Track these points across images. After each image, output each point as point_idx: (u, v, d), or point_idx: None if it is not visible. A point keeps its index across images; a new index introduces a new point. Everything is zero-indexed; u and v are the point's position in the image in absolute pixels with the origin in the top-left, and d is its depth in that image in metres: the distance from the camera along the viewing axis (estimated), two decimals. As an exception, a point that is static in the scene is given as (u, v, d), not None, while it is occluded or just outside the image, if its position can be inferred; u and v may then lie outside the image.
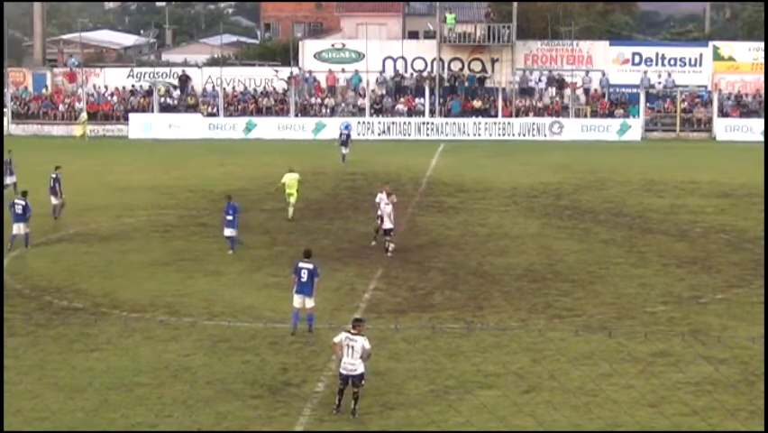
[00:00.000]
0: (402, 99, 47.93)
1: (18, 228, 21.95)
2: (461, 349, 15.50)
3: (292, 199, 26.45)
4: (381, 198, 23.04)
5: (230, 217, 22.02)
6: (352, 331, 13.06)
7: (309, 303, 16.28)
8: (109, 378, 14.18)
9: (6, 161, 28.16)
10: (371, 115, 47.18)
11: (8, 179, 27.52)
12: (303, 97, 48.40)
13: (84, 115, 45.66)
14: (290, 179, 26.77)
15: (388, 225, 22.00)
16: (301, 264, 16.43)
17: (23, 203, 22.14)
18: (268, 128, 46.33)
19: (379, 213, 22.92)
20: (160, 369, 14.63)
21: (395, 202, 22.51)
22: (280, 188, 26.65)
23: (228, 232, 22.10)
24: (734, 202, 28.53)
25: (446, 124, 46.06)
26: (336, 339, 13.12)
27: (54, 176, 25.26)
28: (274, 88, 49.32)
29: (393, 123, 46.18)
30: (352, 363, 12.83)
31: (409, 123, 46.38)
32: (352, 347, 12.86)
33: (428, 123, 46.29)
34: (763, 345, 14.46)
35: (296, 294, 16.37)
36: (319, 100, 48.23)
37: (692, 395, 13.65)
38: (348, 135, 37.82)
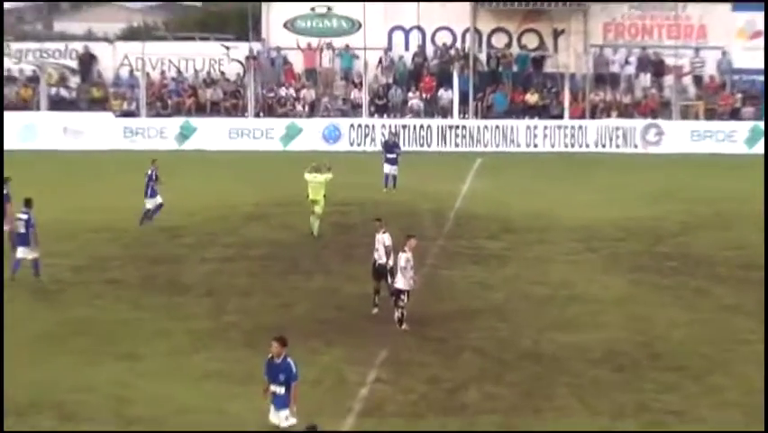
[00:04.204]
0: (416, 92, 48.27)
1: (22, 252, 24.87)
2: (508, 475, 15.42)
3: (317, 209, 28.90)
4: (381, 239, 23.16)
5: (22, 231, 22.52)
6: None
7: (290, 420, 16.15)
8: None
9: (148, 175, 31.21)
10: (371, 114, 47.48)
11: (149, 203, 31.26)
12: (267, 87, 48.75)
13: None
14: (314, 182, 29.00)
15: (401, 284, 21.96)
16: (278, 361, 16.26)
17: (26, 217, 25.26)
18: (213, 134, 46.64)
19: (378, 262, 23.09)
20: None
21: (413, 248, 22.47)
22: (305, 192, 29.75)
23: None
24: None
25: (485, 128, 46.33)
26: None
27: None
28: (223, 74, 49.70)
29: (404, 126, 46.45)
30: None
31: (429, 126, 46.63)
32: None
33: (457, 126, 46.57)
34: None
35: (273, 406, 16.18)
36: (292, 92, 48.58)
37: None
38: (395, 145, 38.53)
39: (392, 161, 37.17)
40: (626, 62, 48.56)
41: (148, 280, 25.74)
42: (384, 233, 23.44)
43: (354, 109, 48.13)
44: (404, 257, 22.03)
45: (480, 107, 47.63)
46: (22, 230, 25.13)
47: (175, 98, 48.78)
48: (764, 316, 22.53)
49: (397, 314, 22.03)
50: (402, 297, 21.99)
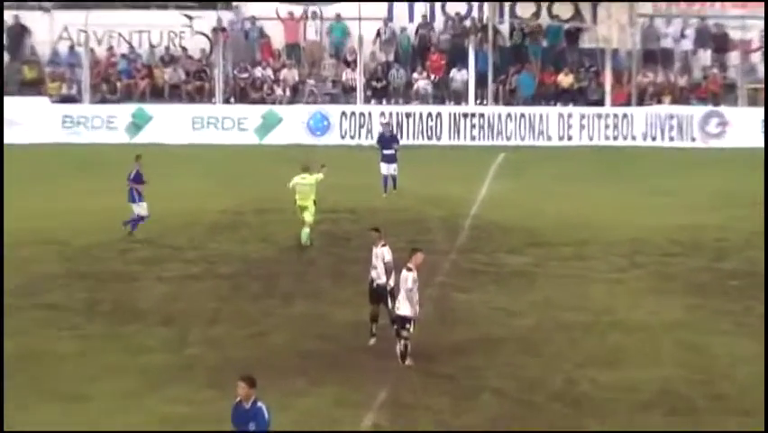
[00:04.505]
0: (423, 72, 48.20)
1: None
2: None
3: (306, 216, 29.68)
4: (380, 254, 23.16)
5: None
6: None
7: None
8: None
9: (129, 177, 31.93)
10: (367, 99, 47.42)
11: (136, 208, 31.81)
12: (239, 67, 48.68)
13: None
14: (302, 185, 29.80)
15: (405, 310, 21.92)
16: (246, 406, 16.23)
17: None
18: (173, 124, 46.62)
19: (376, 282, 23.09)
20: None
21: (419, 265, 22.43)
22: (291, 197, 30.37)
23: None
24: None
25: (508, 116, 46.33)
26: None
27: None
28: (185, 50, 49.58)
29: (408, 114, 46.42)
30: None
31: (439, 114, 46.59)
32: None
33: (474, 115, 46.55)
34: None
35: None
36: (270, 72, 48.51)
37: None
38: (393, 138, 38.26)
39: (390, 159, 36.93)
40: (682, 36, 48.48)
41: (93, 305, 25.69)
42: (383, 246, 23.40)
43: (347, 94, 48.04)
44: (411, 277, 21.89)
45: (501, 91, 47.57)
46: None
47: (126, 80, 48.69)
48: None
49: (399, 346, 21.97)
50: (407, 325, 21.89)
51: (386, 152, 37.03)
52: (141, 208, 31.57)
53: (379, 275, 23.18)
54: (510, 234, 31.79)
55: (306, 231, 30.12)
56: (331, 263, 28.95)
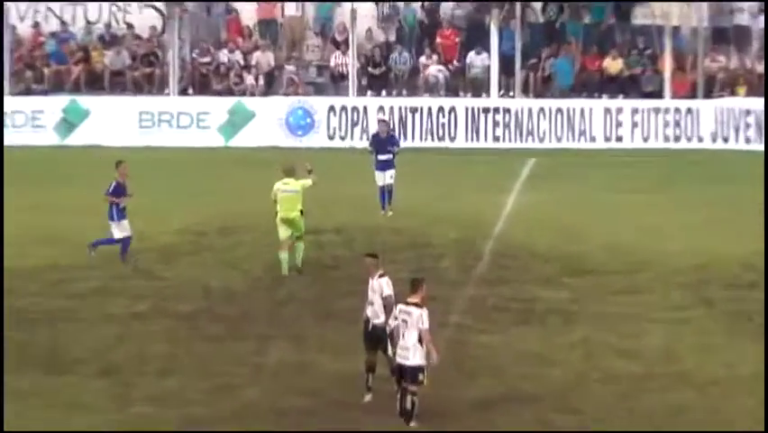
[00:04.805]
0: (433, 55, 48.31)
1: None
2: None
3: (294, 232, 29.88)
4: (378, 286, 23.08)
5: None
6: None
7: None
8: None
9: (107, 191, 32.52)
10: (362, 90, 47.52)
11: (117, 230, 31.99)
12: (199, 49, 48.73)
13: None
14: (286, 195, 29.77)
15: (418, 358, 21.82)
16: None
17: None
18: (115, 121, 46.66)
19: (372, 322, 23.06)
20: None
21: (424, 297, 22.40)
22: (271, 211, 30.30)
23: None
24: None
25: (540, 112, 46.50)
26: None
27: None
28: (131, 27, 49.66)
29: (414, 109, 46.52)
30: None
31: (453, 109, 46.69)
32: None
33: (497, 109, 46.68)
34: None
35: None
36: (238, 56, 48.58)
37: None
38: (390, 139, 38.15)
39: (386, 165, 36.67)
40: (762, 10, 48.54)
41: (19, 351, 25.62)
42: (381, 276, 23.33)
43: (336, 83, 48.15)
44: (426, 314, 21.77)
45: (532, 80, 47.68)
46: None
47: (55, 66, 48.76)
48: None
49: (405, 403, 21.88)
50: (420, 376, 21.77)
51: (381, 156, 36.69)
52: (119, 228, 31.67)
53: (376, 313, 23.10)
54: (543, 261, 31.87)
55: (300, 246, 30.31)
56: (315, 298, 28.96)
